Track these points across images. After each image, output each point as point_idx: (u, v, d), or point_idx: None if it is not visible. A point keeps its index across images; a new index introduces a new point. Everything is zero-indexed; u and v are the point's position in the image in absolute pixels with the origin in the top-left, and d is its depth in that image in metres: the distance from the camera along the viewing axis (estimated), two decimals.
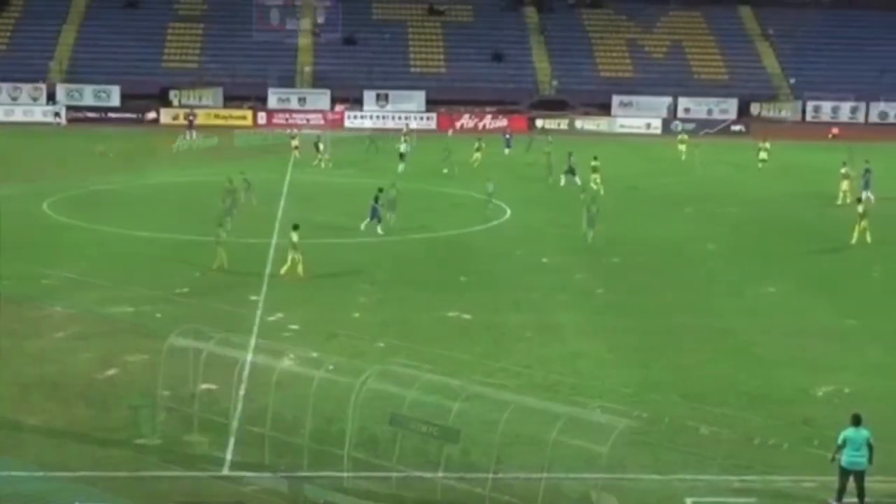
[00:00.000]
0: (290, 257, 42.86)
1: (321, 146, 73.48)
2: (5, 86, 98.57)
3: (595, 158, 65.62)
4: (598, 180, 63.49)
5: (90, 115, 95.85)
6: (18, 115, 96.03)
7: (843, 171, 61.79)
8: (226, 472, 25.56)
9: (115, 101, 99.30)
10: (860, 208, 50.14)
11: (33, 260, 44.72)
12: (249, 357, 33.15)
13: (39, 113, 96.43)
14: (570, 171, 64.27)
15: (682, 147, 77.84)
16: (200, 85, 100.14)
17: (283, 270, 42.95)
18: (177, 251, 47.03)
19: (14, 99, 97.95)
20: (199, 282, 42.19)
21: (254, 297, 39.88)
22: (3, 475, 24.90)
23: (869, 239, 48.95)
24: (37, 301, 38.90)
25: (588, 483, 25.21)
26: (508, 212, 57.13)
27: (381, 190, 51.71)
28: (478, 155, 72.77)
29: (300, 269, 42.58)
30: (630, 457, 26.71)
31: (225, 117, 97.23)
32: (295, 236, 42.86)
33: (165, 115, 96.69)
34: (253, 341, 34.68)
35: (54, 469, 25.23)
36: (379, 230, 50.48)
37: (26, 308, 37.91)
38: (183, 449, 26.56)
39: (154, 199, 58.97)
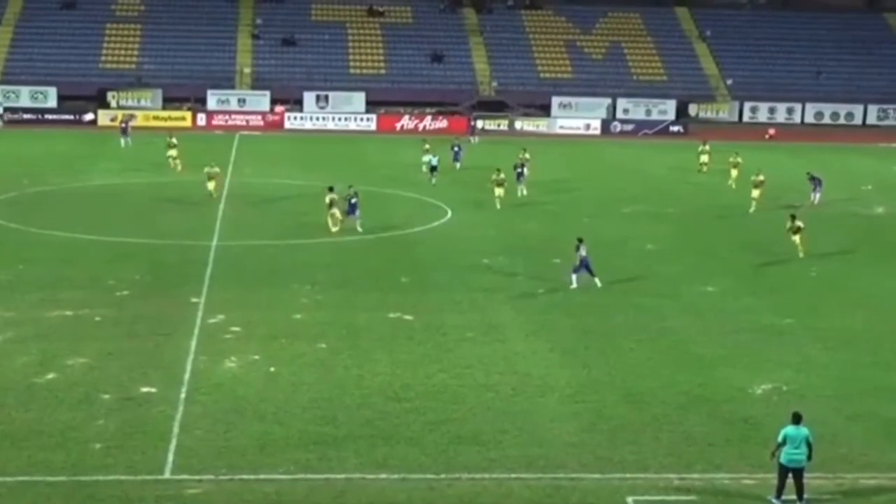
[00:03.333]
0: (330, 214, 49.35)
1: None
2: None
3: (524, 150, 68.51)
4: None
5: (27, 116, 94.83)
6: None
7: (754, 178, 61.48)
8: (167, 475, 25.41)
9: (53, 102, 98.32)
10: (797, 223, 48.94)
11: None
12: (190, 359, 33.17)
13: None
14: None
15: (705, 158, 74.47)
16: (139, 86, 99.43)
17: (334, 229, 49.04)
18: (116, 253, 46.64)
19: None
20: (139, 284, 41.89)
21: (195, 300, 39.66)
22: None
23: (801, 254, 48.41)
24: None
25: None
26: (449, 213, 57.20)
27: (350, 187, 52.49)
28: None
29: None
30: (571, 456, 26.90)
31: (164, 119, 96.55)
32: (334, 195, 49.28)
33: (103, 117, 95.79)
34: (193, 344, 34.63)
35: None
36: (358, 227, 51.26)
37: None
38: (123, 453, 26.35)
39: (93, 202, 58.45)
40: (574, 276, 41.94)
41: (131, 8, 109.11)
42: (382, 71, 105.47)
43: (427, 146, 70.14)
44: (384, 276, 44.02)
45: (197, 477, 25.23)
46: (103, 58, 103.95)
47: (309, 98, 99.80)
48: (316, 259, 46.76)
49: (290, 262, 45.98)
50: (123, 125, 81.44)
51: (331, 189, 50.87)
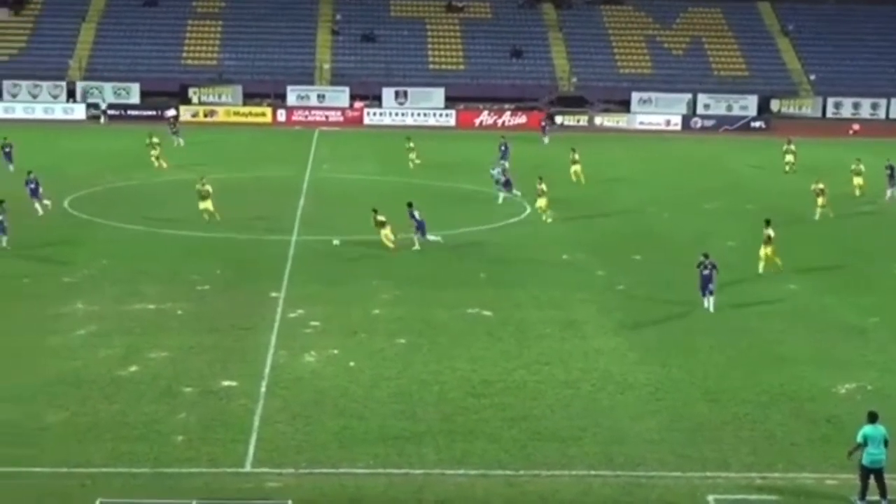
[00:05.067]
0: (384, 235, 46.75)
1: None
2: (25, 84, 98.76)
3: (574, 150, 66.59)
4: (578, 171, 64.78)
5: (110, 112, 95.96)
6: (39, 112, 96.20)
7: (854, 167, 60.81)
8: (248, 468, 25.59)
9: (135, 98, 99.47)
10: (769, 231, 44.44)
11: (55, 257, 44.86)
12: (271, 353, 33.41)
13: (60, 110, 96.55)
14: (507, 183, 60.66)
15: (790, 157, 71.89)
16: (220, 82, 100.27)
17: (392, 246, 46.55)
18: (197, 248, 47.06)
19: (34, 97, 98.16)
20: (220, 279, 42.25)
21: (274, 294, 39.91)
22: (26, 471, 25.00)
23: (780, 262, 44.55)
24: (58, 298, 39.01)
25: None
26: (528, 209, 57.05)
27: (409, 204, 49.17)
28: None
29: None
30: (651, 454, 26.72)
31: (245, 115, 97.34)
32: (381, 217, 46.77)
33: (185, 113, 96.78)
34: (273, 338, 34.86)
35: (77, 465, 25.30)
36: (417, 243, 47.97)
37: (48, 305, 38.06)
38: (205, 446, 26.59)
39: (175, 197, 59.01)
40: (707, 300, 39.17)
41: (212, 4, 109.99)
42: (461, 66, 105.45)
43: (504, 140, 70.06)
44: (463, 272, 44.02)
45: (277, 470, 25.38)
46: (185, 54, 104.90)
47: (388, 94, 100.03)
48: (395, 254, 46.83)
49: (369, 257, 46.12)
50: (171, 126, 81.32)
51: (375, 211, 47.51)
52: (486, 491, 24.73)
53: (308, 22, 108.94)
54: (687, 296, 40.21)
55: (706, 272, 38.82)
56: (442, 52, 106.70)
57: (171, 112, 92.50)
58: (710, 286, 38.82)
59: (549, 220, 53.52)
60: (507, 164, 65.81)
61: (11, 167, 64.11)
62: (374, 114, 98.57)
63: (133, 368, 31.91)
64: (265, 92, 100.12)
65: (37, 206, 52.29)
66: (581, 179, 64.09)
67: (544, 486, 25.01)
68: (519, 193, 58.63)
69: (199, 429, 27.60)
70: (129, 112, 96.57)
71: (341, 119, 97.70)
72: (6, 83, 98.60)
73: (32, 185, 52.94)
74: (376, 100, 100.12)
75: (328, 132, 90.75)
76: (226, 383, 30.81)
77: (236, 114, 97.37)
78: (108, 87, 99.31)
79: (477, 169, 66.51)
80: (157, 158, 68.51)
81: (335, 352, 33.70)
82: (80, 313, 37.41)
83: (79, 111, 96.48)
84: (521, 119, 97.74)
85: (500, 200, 58.00)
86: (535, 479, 25.28)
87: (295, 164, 70.95)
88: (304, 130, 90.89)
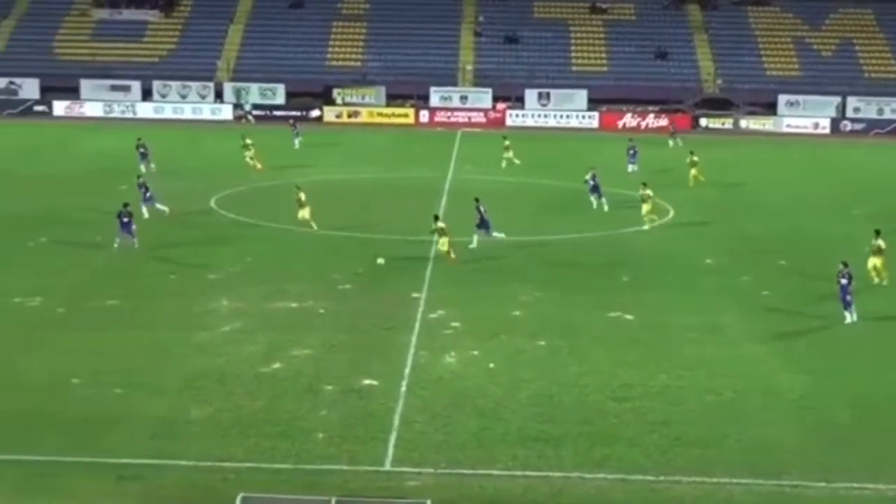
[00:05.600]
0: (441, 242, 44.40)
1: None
2: (175, 84, 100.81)
3: (692, 153, 65.54)
4: (696, 174, 63.66)
5: (256, 112, 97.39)
6: (187, 113, 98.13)
7: None
8: (387, 467, 25.69)
9: (281, 99, 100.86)
10: (879, 242, 42.64)
11: (201, 255, 45.62)
12: (411, 353, 33.51)
13: (208, 111, 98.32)
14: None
15: None
16: (363, 83, 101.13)
17: (453, 256, 44.57)
18: (339, 248, 47.46)
19: (183, 97, 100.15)
20: (362, 278, 42.55)
21: (415, 295, 40.05)
22: (172, 463, 25.43)
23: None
24: (204, 295, 39.67)
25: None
26: (671, 212, 56.42)
27: (476, 199, 48.91)
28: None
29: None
30: (795, 463, 26.18)
31: (388, 115, 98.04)
32: (441, 223, 44.33)
33: (329, 113, 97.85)
34: (414, 338, 34.97)
35: (220, 459, 25.67)
36: (474, 241, 47.45)
37: (194, 302, 38.72)
38: (345, 444, 26.76)
39: (317, 196, 59.55)
40: (847, 310, 37.94)
41: (357, 6, 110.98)
42: (605, 68, 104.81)
43: (632, 145, 69.39)
44: (604, 275, 43.71)
45: (416, 469, 25.43)
46: (329, 55, 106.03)
47: (530, 95, 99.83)
48: (536, 256, 46.70)
49: (510, 259, 46.04)
50: (292, 128, 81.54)
51: (436, 217, 46.08)
52: (625, 496, 24.48)
53: (451, 23, 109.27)
54: (833, 303, 39.29)
55: (843, 281, 37.85)
56: (585, 54, 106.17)
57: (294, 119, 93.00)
58: (847, 297, 37.81)
59: (647, 228, 52.13)
60: (635, 168, 65.61)
61: (145, 168, 64.10)
62: (517, 115, 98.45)
63: (276, 365, 32.28)
64: (408, 93, 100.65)
65: (143, 209, 51.18)
66: (701, 179, 63.03)
67: (685, 492, 24.66)
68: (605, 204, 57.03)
69: (339, 427, 27.80)
70: (274, 112, 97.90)
71: (483, 120, 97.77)
72: (156, 84, 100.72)
73: (142, 190, 52.23)
74: (519, 101, 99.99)
75: (470, 133, 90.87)
76: (366, 382, 31.00)
77: (379, 115, 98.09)
78: (254, 87, 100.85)
79: (619, 172, 66.00)
80: (252, 159, 67.93)
81: (475, 353, 33.69)
82: (224, 310, 37.99)
83: (226, 111, 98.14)
84: (665, 121, 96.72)
85: (595, 206, 56.63)
86: (676, 486, 24.94)
87: (437, 166, 71.17)
88: (447, 132, 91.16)
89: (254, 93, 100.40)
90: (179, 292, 39.99)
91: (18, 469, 24.99)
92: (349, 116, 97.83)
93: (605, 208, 56.00)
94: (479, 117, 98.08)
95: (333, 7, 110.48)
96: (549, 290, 41.27)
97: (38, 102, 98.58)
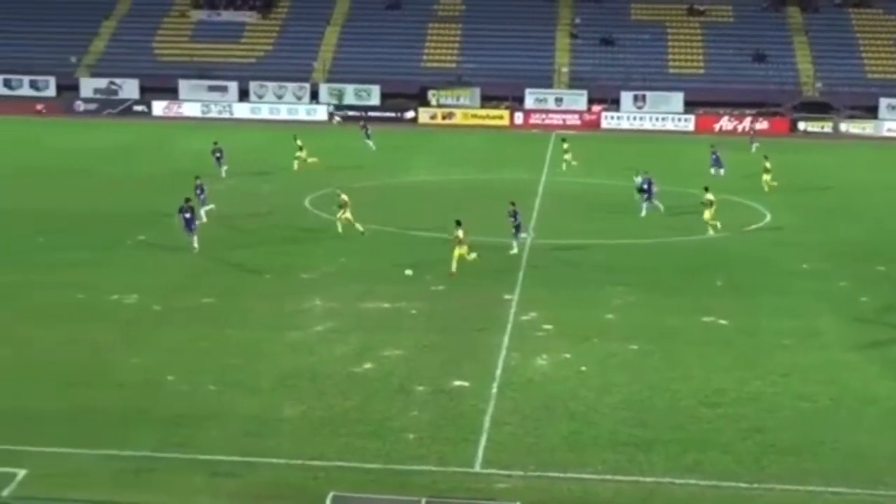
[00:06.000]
0: (457, 253, 42.60)
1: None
2: (271, 85, 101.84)
3: (766, 158, 64.55)
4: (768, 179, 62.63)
5: (351, 113, 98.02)
6: (283, 113, 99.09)
7: None
8: (477, 468, 25.66)
9: (376, 100, 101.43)
10: None
11: (295, 254, 45.96)
12: (502, 355, 33.46)
13: (303, 111, 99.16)
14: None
15: None
16: (458, 85, 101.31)
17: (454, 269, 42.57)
18: (431, 248, 47.51)
19: (279, 98, 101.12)
20: (454, 280, 42.54)
21: (507, 296, 39.99)
22: (265, 461, 25.63)
23: None
24: (297, 294, 39.94)
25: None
26: (768, 216, 55.78)
27: (512, 203, 48.13)
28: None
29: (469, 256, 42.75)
30: (892, 472, 25.72)
31: (482, 117, 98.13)
32: (460, 232, 42.64)
33: (424, 115, 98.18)
34: (506, 340, 34.91)
35: (311, 458, 25.81)
36: (514, 248, 46.92)
37: (287, 301, 39.00)
38: (435, 444, 26.79)
39: (411, 197, 59.85)
40: None
41: (453, 8, 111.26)
42: (702, 71, 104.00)
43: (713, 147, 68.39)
44: (698, 279, 43.31)
45: (506, 472, 25.36)
46: (425, 57, 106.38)
47: (626, 98, 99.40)
48: (629, 260, 46.44)
49: (603, 262, 45.82)
50: (364, 130, 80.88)
51: (458, 223, 43.45)
52: (716, 502, 24.21)
53: (547, 25, 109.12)
54: None
55: None
56: (682, 56, 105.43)
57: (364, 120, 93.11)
58: None
59: (712, 233, 51.01)
60: (720, 172, 64.88)
61: (223, 171, 64.36)
62: (612, 117, 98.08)
63: (368, 365, 32.41)
64: (503, 95, 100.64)
65: (201, 211, 51.15)
66: (773, 185, 62.04)
67: (778, 500, 24.34)
68: (661, 207, 56.16)
69: (430, 427, 27.83)
70: (369, 113, 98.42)
71: (578, 122, 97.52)
72: (253, 84, 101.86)
73: (198, 191, 51.96)
74: (614, 103, 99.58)
75: (565, 136, 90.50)
76: (457, 383, 31.00)
77: (474, 116, 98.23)
78: (349, 88, 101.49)
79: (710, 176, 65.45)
80: (304, 161, 67.40)
81: (567, 356, 33.55)
82: (317, 310, 38.23)
83: (321, 112, 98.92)
84: (763, 125, 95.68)
85: (644, 213, 55.49)
86: (769, 493, 24.61)
87: (531, 167, 71.05)
88: (541, 133, 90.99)
89: (349, 94, 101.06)
90: (273, 291, 40.32)
91: (114, 464, 25.32)
92: (444, 118, 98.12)
93: (643, 213, 55.36)
94: (573, 119, 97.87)
95: (429, 9, 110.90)
96: (643, 293, 41.00)
97: (137, 102, 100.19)
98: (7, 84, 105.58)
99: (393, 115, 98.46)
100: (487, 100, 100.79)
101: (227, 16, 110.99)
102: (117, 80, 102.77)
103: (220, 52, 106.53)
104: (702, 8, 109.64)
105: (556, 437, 27.33)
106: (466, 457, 26.14)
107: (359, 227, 49.33)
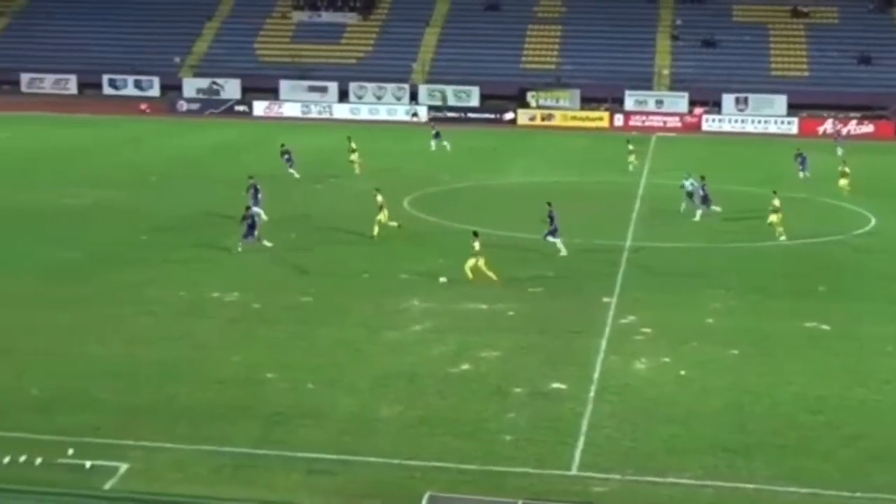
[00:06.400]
0: (471, 263, 41.39)
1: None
2: (371, 86, 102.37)
3: (844, 162, 63.70)
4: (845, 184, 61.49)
5: (450, 114, 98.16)
6: (382, 114, 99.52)
7: None
8: (574, 471, 25.53)
9: (475, 101, 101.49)
10: None
11: (393, 254, 46.08)
12: (600, 358, 33.27)
13: (402, 112, 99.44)
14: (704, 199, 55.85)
15: None
16: (557, 86, 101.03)
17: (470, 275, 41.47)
18: (529, 250, 47.40)
19: (379, 98, 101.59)
20: (552, 281, 42.43)
21: (606, 299, 39.75)
22: (362, 460, 25.72)
23: None
24: (395, 294, 40.06)
25: None
26: (872, 220, 54.88)
27: (549, 204, 47.46)
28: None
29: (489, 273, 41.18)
30: None
31: (582, 119, 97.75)
32: (476, 244, 41.47)
33: (523, 116, 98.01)
34: (604, 343, 34.72)
35: (408, 458, 25.87)
36: (561, 248, 46.39)
37: (385, 301, 39.14)
38: (532, 447, 26.70)
39: (509, 199, 59.76)
40: None
41: (552, 9, 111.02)
42: (805, 73, 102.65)
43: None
44: (800, 284, 42.71)
45: (603, 475, 25.21)
46: (524, 58, 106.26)
47: (728, 100, 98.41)
48: (730, 264, 45.95)
49: (703, 266, 45.39)
50: (434, 131, 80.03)
51: (475, 234, 42.43)
52: None
53: (647, 27, 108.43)
54: None
55: None
56: (785, 58, 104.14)
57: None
58: None
59: (783, 238, 49.88)
60: (807, 175, 63.69)
61: (297, 173, 64.02)
62: (713, 120, 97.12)
63: (465, 366, 32.40)
64: (602, 96, 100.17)
65: (260, 210, 51.12)
66: (848, 190, 60.88)
67: None
68: (719, 209, 54.83)
69: (527, 429, 27.75)
70: (468, 115, 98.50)
71: (679, 125, 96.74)
72: (352, 85, 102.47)
73: (253, 192, 51.96)
74: (716, 106, 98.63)
75: (665, 138, 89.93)
76: (555, 385, 30.89)
77: (573, 118, 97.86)
78: (449, 89, 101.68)
79: (820, 178, 64.55)
80: (355, 162, 66.83)
81: (666, 360, 33.27)
82: (415, 310, 38.30)
83: (420, 113, 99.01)
84: (869, 128, 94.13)
85: (698, 217, 54.29)
86: (872, 503, 24.19)
87: (631, 170, 70.57)
88: (641, 136, 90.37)
89: (448, 95, 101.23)
90: (371, 291, 40.48)
91: (214, 460, 25.59)
92: (543, 119, 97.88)
93: (693, 215, 54.44)
94: (674, 122, 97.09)
95: (529, 10, 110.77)
96: (743, 297, 40.53)
97: (238, 102, 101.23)
98: (112, 84, 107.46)
99: (492, 116, 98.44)
100: (587, 101, 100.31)
101: (327, 17, 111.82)
102: (219, 81, 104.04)
103: (321, 53, 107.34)
104: (805, 9, 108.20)
105: (655, 442, 27.12)
106: (564, 459, 26.03)
107: (394, 223, 49.37)
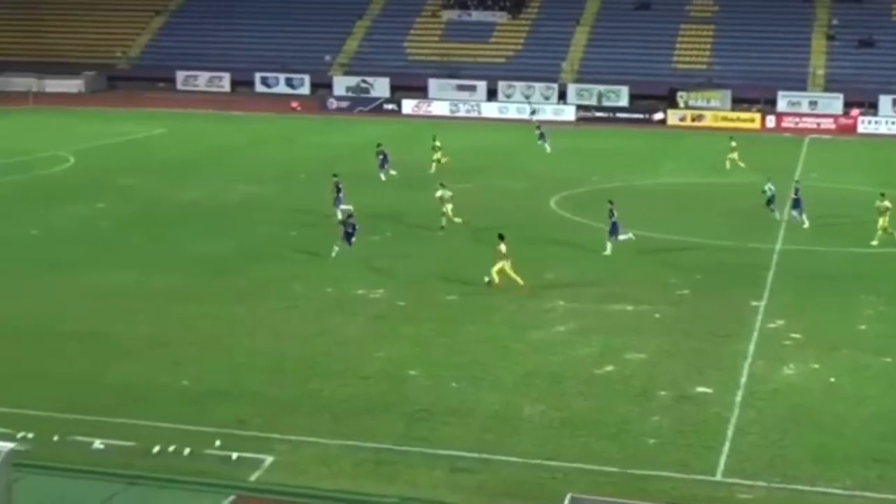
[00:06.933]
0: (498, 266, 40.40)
1: None
2: (519, 85, 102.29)
3: None
4: None
5: (598, 114, 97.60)
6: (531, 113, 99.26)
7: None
8: (718, 477, 25.14)
9: (624, 101, 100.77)
10: None
11: (538, 254, 45.92)
12: (748, 363, 32.73)
13: (550, 111, 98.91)
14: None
15: None
16: (708, 87, 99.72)
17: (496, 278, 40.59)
18: (678, 252, 46.91)
19: (527, 98, 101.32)
20: (699, 284, 41.88)
21: (754, 303, 39.08)
22: (504, 459, 25.68)
23: None
24: (540, 294, 39.92)
25: None
26: None
27: (610, 202, 46.80)
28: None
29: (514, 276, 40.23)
30: None
31: (732, 120, 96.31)
32: (503, 246, 40.44)
33: (672, 117, 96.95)
34: (751, 347, 34.15)
35: (549, 458, 25.76)
36: (608, 248, 45.81)
37: (530, 300, 39.04)
38: (676, 451, 26.37)
39: (658, 199, 59.17)
40: None
41: (705, 9, 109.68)
42: None
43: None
44: None
45: (748, 482, 24.77)
46: (675, 58, 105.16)
47: (885, 101, 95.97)
48: (883, 269, 44.83)
49: (854, 270, 44.40)
50: (538, 130, 78.11)
51: (501, 237, 40.89)
52: None
53: (802, 26, 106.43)
54: None
55: None
56: None
57: (535, 117, 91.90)
58: None
59: (875, 243, 47.97)
60: None
61: (384, 176, 63.29)
62: (869, 122, 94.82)
63: (609, 368, 32.16)
64: (754, 97, 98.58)
65: (338, 210, 51.10)
66: None
67: None
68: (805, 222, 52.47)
69: (671, 433, 27.43)
70: (617, 115, 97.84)
71: (833, 126, 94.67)
72: (501, 84, 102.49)
73: (337, 192, 51.77)
74: (872, 107, 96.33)
75: (818, 140, 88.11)
76: (700, 389, 30.47)
77: (724, 119, 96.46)
78: (596, 89, 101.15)
79: None
80: (439, 161, 65.99)
81: (815, 366, 32.58)
82: (560, 310, 38.14)
83: (569, 112, 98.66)
84: None
85: (790, 220, 52.37)
86: None
87: (782, 172, 69.29)
88: (794, 137, 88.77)
89: (596, 94, 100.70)
90: (516, 291, 40.38)
91: (357, 454, 25.80)
92: (693, 120, 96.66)
93: (781, 219, 52.59)
94: (828, 123, 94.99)
95: (681, 9, 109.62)
96: None
97: (387, 101, 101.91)
98: (264, 82, 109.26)
99: (641, 116, 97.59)
100: (738, 102, 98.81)
101: (477, 16, 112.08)
102: (369, 79, 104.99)
103: (470, 52, 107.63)
104: None
105: (803, 450, 26.57)
106: (708, 465, 25.65)
107: (457, 220, 49.73)
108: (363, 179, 60.93)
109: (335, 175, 53.18)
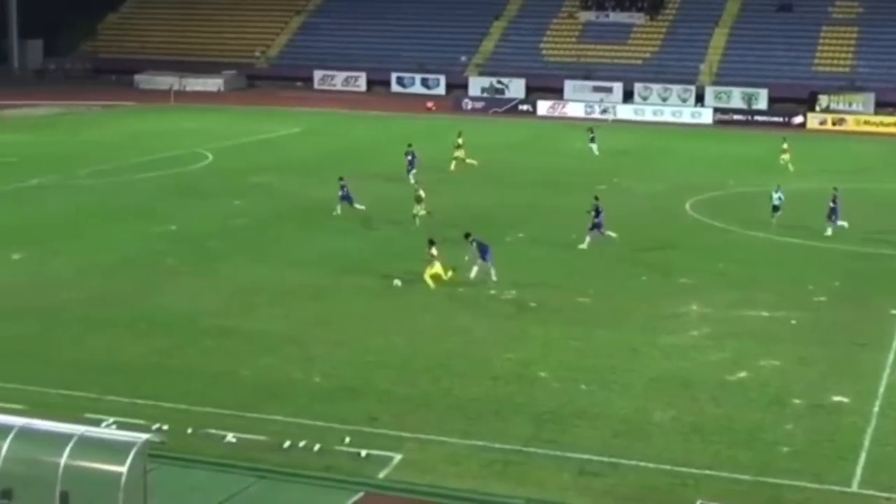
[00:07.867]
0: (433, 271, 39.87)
1: None
2: (656, 87, 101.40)
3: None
4: None
5: (736, 117, 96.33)
6: (667, 115, 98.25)
7: None
8: (854, 488, 24.60)
9: (763, 104, 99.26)
10: None
11: (673, 258, 45.49)
12: (886, 373, 32.00)
13: (688, 114, 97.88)
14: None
15: None
16: (851, 90, 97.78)
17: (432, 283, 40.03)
18: (816, 258, 46.06)
19: (664, 100, 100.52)
20: (838, 291, 41.09)
21: (894, 311, 38.19)
22: (633, 464, 25.46)
23: None
24: (673, 298, 39.53)
25: None
26: None
27: (596, 197, 47.39)
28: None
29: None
30: None
31: (875, 124, 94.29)
32: (434, 250, 40.02)
33: (812, 120, 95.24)
34: (891, 357, 33.40)
35: (679, 464, 25.46)
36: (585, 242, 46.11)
37: (663, 304, 38.68)
38: (810, 460, 25.88)
39: (796, 204, 58.07)
40: None
41: (849, 10, 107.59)
42: None
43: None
44: None
45: (885, 494, 24.21)
46: (816, 60, 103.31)
47: None
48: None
49: None
50: (590, 133, 75.35)
51: (431, 242, 40.86)
52: None
53: None
54: None
55: None
56: None
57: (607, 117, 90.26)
58: None
59: None
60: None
61: (413, 178, 61.25)
62: None
63: (742, 374, 31.70)
64: None
65: (353, 206, 52.01)
66: None
67: None
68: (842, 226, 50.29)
69: (805, 442, 26.93)
70: (755, 118, 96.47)
71: None
72: (637, 86, 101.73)
73: (343, 191, 52.40)
74: None
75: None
76: (836, 398, 29.87)
77: (866, 123, 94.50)
78: (735, 92, 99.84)
79: None
80: (463, 161, 65.86)
81: None
82: (693, 315, 37.72)
83: (706, 115, 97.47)
84: None
85: (829, 233, 49.95)
86: None
87: None
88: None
89: (735, 97, 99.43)
90: (649, 294, 40.07)
91: (485, 455, 25.79)
92: (834, 124, 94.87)
93: (829, 232, 50.14)
94: None
95: (823, 11, 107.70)
96: None
97: (522, 101, 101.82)
98: (400, 82, 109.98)
99: (780, 119, 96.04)
100: (882, 106, 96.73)
101: (614, 17, 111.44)
102: (504, 80, 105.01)
103: (607, 53, 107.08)
104: None
105: None
106: (843, 475, 25.12)
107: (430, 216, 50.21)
108: (488, 180, 60.91)
109: (341, 178, 53.54)
